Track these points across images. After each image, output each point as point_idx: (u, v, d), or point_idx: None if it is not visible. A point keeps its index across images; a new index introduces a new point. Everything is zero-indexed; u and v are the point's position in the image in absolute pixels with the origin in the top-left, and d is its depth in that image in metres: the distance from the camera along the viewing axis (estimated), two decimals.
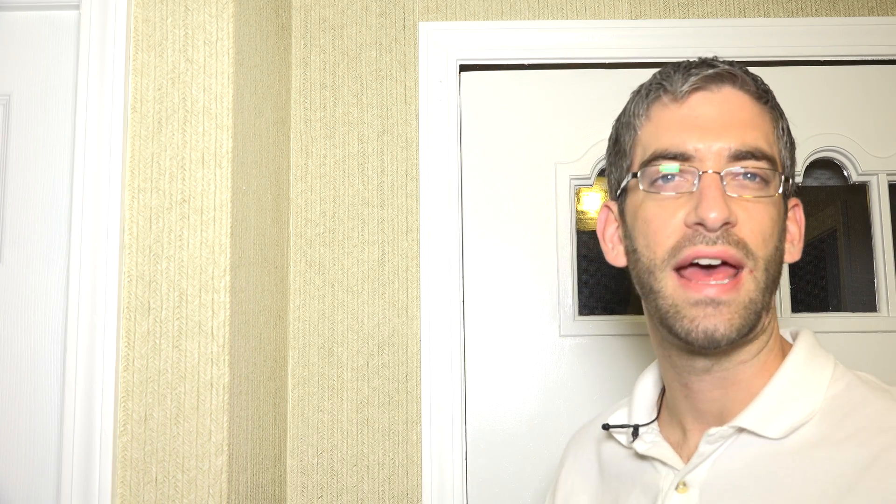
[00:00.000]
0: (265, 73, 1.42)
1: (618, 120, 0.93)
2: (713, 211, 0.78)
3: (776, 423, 0.79)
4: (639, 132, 0.88)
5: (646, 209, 0.84)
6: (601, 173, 1.70)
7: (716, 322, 0.79)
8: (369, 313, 1.59)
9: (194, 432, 1.14)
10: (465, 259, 1.62)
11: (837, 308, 2.07)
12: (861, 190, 1.71)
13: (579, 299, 1.64)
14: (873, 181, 1.67)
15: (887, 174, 1.66)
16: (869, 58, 1.67)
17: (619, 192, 0.90)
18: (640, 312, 1.74)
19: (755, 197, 0.81)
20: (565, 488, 1.00)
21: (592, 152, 1.66)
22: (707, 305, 0.79)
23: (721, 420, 0.84)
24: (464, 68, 1.68)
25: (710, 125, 0.83)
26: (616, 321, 1.63)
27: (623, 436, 0.92)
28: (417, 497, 1.53)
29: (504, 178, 1.65)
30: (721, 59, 0.87)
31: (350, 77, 1.65)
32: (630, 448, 0.90)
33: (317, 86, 1.65)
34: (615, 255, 0.92)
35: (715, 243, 0.79)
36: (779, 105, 0.88)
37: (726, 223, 0.79)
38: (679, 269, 0.81)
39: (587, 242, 1.85)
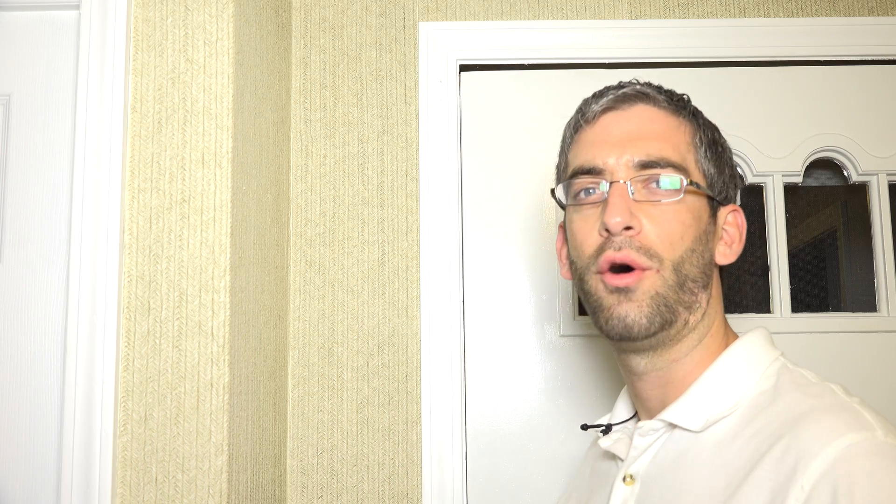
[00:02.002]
0: (265, 73, 1.42)
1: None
2: (615, 216, 0.86)
3: (697, 416, 0.86)
4: (568, 156, 0.97)
5: (573, 222, 0.93)
6: None
7: (626, 308, 0.86)
8: (369, 313, 1.59)
9: (194, 432, 1.14)
10: (465, 259, 1.62)
11: (837, 308, 2.07)
12: (861, 190, 1.71)
13: (579, 299, 1.64)
14: (873, 181, 1.67)
15: (887, 174, 1.66)
16: (869, 58, 1.67)
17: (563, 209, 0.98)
18: None
19: (661, 201, 0.88)
20: (567, 490, 1.11)
21: None
22: (619, 293, 0.87)
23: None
24: (464, 68, 1.68)
25: (617, 140, 0.91)
26: None
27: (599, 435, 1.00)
28: (417, 497, 1.53)
29: (504, 178, 1.65)
30: (641, 81, 0.96)
31: (350, 77, 1.65)
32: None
33: (317, 86, 1.65)
34: (565, 271, 0.99)
35: (620, 249, 0.87)
36: (700, 116, 0.95)
37: (628, 227, 0.86)
38: (599, 272, 0.89)
39: None
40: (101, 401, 1.14)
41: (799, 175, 1.66)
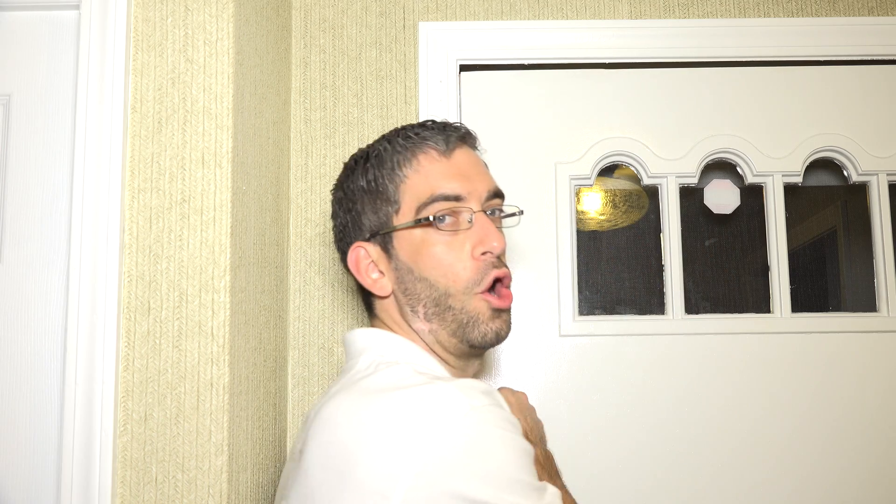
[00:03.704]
0: (265, 73, 1.42)
1: (373, 171, 1.10)
2: (495, 240, 1.05)
3: None
4: (407, 181, 1.07)
5: (431, 245, 1.05)
6: (601, 173, 1.70)
7: (500, 324, 1.07)
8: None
9: (194, 432, 1.14)
10: None
11: (837, 308, 2.08)
12: (861, 190, 1.71)
13: (579, 299, 1.64)
14: (873, 181, 1.67)
15: (887, 174, 1.66)
16: (869, 58, 1.67)
17: (379, 233, 1.09)
18: (640, 312, 1.74)
19: (501, 227, 1.12)
20: None
21: (592, 152, 1.66)
22: (501, 314, 1.07)
23: None
24: (464, 68, 1.68)
25: (471, 173, 1.08)
26: (616, 321, 1.62)
27: None
28: None
29: (504, 178, 1.63)
30: (455, 123, 1.12)
31: (350, 77, 1.65)
32: None
33: (317, 86, 1.65)
34: (380, 287, 1.10)
35: (500, 266, 1.07)
36: None
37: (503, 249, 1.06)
38: (482, 292, 1.05)
39: (587, 242, 1.85)
40: (101, 401, 1.14)
41: (799, 175, 1.66)
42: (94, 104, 1.19)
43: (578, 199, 1.86)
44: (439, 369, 1.08)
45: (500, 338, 1.06)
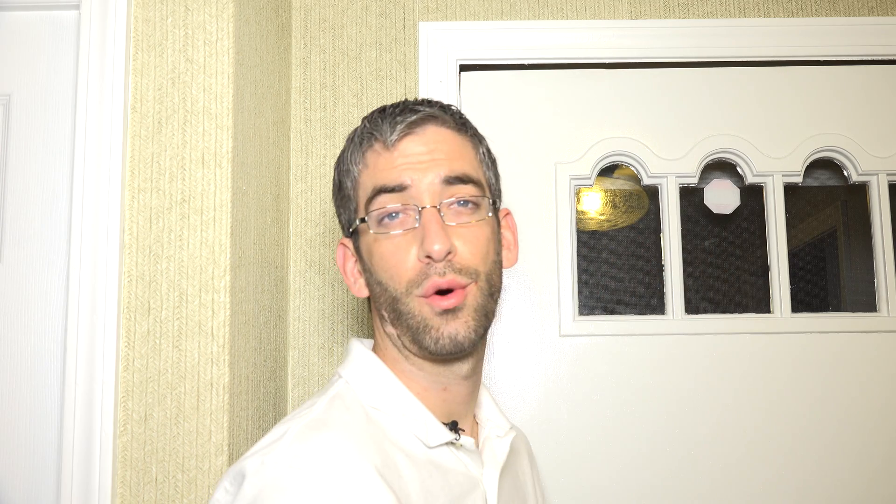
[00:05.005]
0: (265, 73, 1.42)
1: (337, 167, 1.04)
2: (436, 244, 0.90)
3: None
4: (359, 178, 0.99)
5: (380, 247, 0.95)
6: (601, 173, 1.70)
7: (455, 327, 0.91)
8: (369, 313, 1.59)
9: (194, 432, 1.14)
10: None
11: (837, 308, 2.08)
12: (861, 190, 1.71)
13: (579, 299, 1.64)
14: (873, 181, 1.67)
15: (887, 174, 1.66)
16: (869, 58, 1.67)
17: (350, 231, 1.01)
18: (641, 312, 1.74)
19: (471, 222, 0.94)
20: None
21: (592, 152, 1.66)
22: (447, 314, 0.91)
23: (470, 413, 1.03)
24: (464, 68, 1.68)
25: (421, 160, 0.94)
26: (616, 321, 1.62)
27: (442, 436, 0.95)
28: None
29: (504, 178, 1.63)
30: (428, 101, 1.00)
31: (350, 77, 1.65)
32: (439, 447, 0.95)
33: (317, 86, 1.65)
34: (358, 288, 1.02)
35: (444, 274, 0.91)
36: (477, 132, 1.03)
37: (449, 253, 0.91)
38: (424, 296, 0.92)
39: (587, 242, 1.85)
40: (101, 401, 1.14)
41: (799, 175, 1.66)
42: (94, 104, 1.19)
43: (578, 199, 1.86)
44: (393, 392, 0.96)
45: (457, 344, 0.91)
